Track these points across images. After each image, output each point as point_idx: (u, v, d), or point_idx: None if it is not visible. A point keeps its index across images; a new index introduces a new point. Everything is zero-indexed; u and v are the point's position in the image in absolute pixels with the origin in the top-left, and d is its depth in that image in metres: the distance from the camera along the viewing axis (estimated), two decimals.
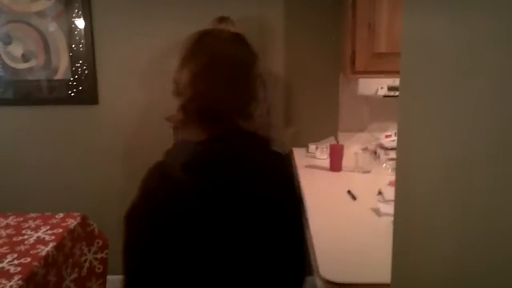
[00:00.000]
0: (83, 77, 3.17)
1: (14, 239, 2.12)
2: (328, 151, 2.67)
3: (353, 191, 2.19)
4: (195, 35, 1.18)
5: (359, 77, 2.65)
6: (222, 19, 2.75)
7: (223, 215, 1.19)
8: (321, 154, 2.83)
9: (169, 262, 1.20)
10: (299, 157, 2.90)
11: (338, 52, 2.97)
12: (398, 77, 0.89)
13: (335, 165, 2.57)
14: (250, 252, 1.23)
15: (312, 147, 2.95)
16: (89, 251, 2.34)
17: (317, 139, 3.03)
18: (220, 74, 1.13)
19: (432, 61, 0.73)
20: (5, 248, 2.03)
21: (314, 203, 2.08)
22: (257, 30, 3.04)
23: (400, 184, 0.88)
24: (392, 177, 2.32)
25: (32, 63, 3.17)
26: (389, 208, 1.89)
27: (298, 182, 1.25)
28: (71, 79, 3.17)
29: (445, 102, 0.68)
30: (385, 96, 2.68)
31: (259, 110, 1.26)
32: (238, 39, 1.21)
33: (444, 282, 0.70)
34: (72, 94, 3.19)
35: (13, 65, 3.18)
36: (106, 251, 2.39)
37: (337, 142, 3.00)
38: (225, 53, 1.15)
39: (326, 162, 2.65)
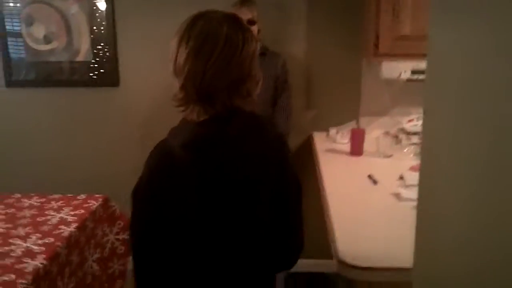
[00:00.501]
0: (104, 59, 3.18)
1: (38, 219, 2.16)
2: (349, 136, 2.64)
3: (374, 176, 2.17)
4: (190, 18, 1.24)
5: (383, 60, 2.61)
6: (243, 2, 2.72)
7: (220, 194, 1.24)
8: (341, 138, 2.80)
9: (169, 239, 1.25)
10: (320, 141, 2.88)
11: (361, 35, 2.92)
12: (422, 61, 0.87)
13: (356, 149, 2.54)
14: (246, 230, 1.29)
15: (332, 131, 2.93)
16: (110, 232, 2.37)
17: (338, 123, 3.00)
18: (213, 54, 1.18)
19: (462, 42, 0.71)
20: (28, 228, 2.07)
21: (334, 187, 2.07)
22: (279, 13, 3.00)
23: (424, 169, 0.87)
24: (414, 162, 2.29)
25: (54, 45, 3.19)
26: (410, 193, 1.87)
27: (293, 162, 1.30)
28: (93, 61, 3.19)
29: (476, 85, 0.66)
30: (408, 80, 2.64)
31: (258, 89, 1.30)
32: (231, 20, 1.25)
33: (469, 267, 0.68)
34: (94, 76, 3.21)
35: (35, 46, 3.21)
36: (127, 232, 2.42)
37: (358, 126, 2.97)
38: (217, 33, 1.20)
39: (347, 147, 2.63)
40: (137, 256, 1.29)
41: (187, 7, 2.93)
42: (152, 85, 3.18)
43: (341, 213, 1.79)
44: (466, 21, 0.69)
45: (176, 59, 1.23)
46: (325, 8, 3.00)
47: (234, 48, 1.20)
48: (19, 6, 3.15)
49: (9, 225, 2.10)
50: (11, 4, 3.15)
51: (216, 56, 1.18)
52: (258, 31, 2.70)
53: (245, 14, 2.60)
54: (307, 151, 2.88)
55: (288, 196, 1.35)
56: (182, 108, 1.27)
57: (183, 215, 1.24)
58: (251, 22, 2.63)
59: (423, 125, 0.86)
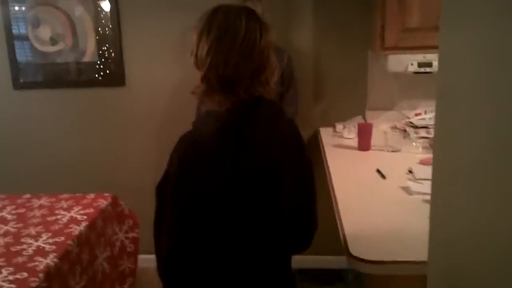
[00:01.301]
0: (110, 60, 3.19)
1: (48, 218, 2.17)
2: (356, 130, 2.64)
3: (383, 170, 2.16)
4: (208, 11, 1.30)
5: (389, 54, 2.60)
6: None
7: (250, 178, 1.31)
8: (348, 133, 2.80)
9: (202, 230, 1.30)
10: (326, 136, 2.87)
11: (367, 28, 2.90)
12: (430, 53, 0.86)
13: (364, 144, 2.54)
14: (271, 211, 1.36)
15: (339, 126, 2.92)
16: (120, 230, 2.38)
17: (344, 118, 3.00)
18: (233, 44, 1.24)
19: (474, 30, 0.70)
20: (40, 227, 2.09)
21: (342, 182, 2.06)
22: (284, 8, 3.00)
23: (438, 163, 0.86)
24: (422, 156, 2.28)
25: (60, 46, 3.21)
26: (419, 187, 1.86)
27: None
28: (98, 61, 3.20)
29: (490, 76, 0.66)
30: (415, 72, 2.62)
31: (274, 78, 1.36)
32: (247, 12, 1.31)
33: (485, 260, 0.68)
34: (100, 77, 3.22)
35: (41, 48, 3.22)
36: (137, 231, 2.43)
37: (365, 121, 2.96)
38: (236, 24, 1.26)
39: (354, 142, 2.62)
40: (171, 252, 1.32)
41: (191, 6, 2.97)
42: (158, 83, 3.19)
43: (350, 208, 1.78)
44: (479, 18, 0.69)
45: (197, 52, 1.28)
46: (331, 1, 2.99)
47: (253, 37, 1.26)
48: (24, 9, 3.17)
49: (20, 225, 2.12)
50: (17, 8, 3.17)
51: (238, 46, 1.24)
52: None
53: (252, 7, 2.60)
54: (314, 147, 2.87)
55: (305, 177, 1.44)
56: (204, 99, 1.32)
57: (215, 201, 1.30)
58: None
59: (436, 118, 0.86)
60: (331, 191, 2.03)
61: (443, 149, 0.83)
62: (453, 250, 0.79)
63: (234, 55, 1.24)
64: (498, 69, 0.62)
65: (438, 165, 0.86)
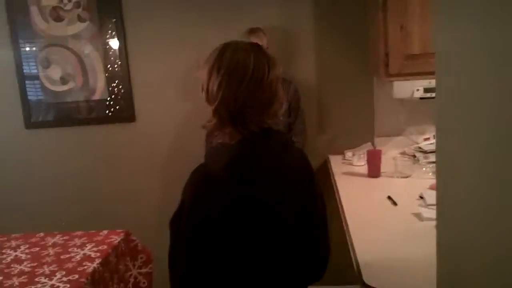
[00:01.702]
0: (119, 96, 3.24)
1: (62, 257, 2.18)
2: (365, 157, 2.64)
3: (394, 197, 2.16)
4: (217, 48, 1.35)
5: (394, 80, 2.62)
6: (252, 30, 2.78)
7: (261, 209, 1.33)
8: (358, 161, 2.80)
9: (215, 261, 1.32)
10: (336, 164, 2.88)
11: (370, 55, 2.94)
12: (434, 78, 0.88)
13: (374, 171, 2.54)
14: (281, 242, 1.38)
15: (348, 154, 2.93)
16: (133, 266, 2.38)
17: (353, 145, 3.01)
18: (242, 80, 1.29)
19: (469, 60, 0.72)
20: (53, 265, 2.09)
21: (353, 210, 2.06)
22: (287, 37, 3.05)
23: (441, 188, 0.87)
24: (433, 181, 2.28)
25: (70, 85, 3.27)
26: (431, 213, 1.86)
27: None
28: (108, 98, 3.26)
29: (485, 101, 0.67)
30: (421, 98, 2.64)
31: (282, 110, 1.40)
32: (255, 48, 1.36)
33: (493, 284, 0.68)
34: (110, 114, 3.27)
35: (52, 88, 3.29)
36: (150, 266, 2.43)
37: (374, 147, 2.97)
38: (245, 60, 1.30)
39: (364, 169, 2.63)
40: (185, 274, 1.34)
41: (197, 40, 3.03)
42: (167, 118, 3.23)
43: (363, 236, 1.78)
44: (473, 32, 0.71)
45: (208, 87, 1.32)
46: (333, 31, 3.04)
47: (262, 73, 1.30)
48: (35, 50, 3.25)
49: (34, 264, 2.13)
50: (27, 48, 3.25)
51: (247, 81, 1.28)
52: None
53: (256, 40, 2.66)
54: (324, 175, 2.88)
55: (315, 207, 1.46)
56: (215, 132, 1.35)
57: (228, 232, 1.32)
58: None
59: (437, 143, 0.87)
60: (343, 220, 2.03)
61: (445, 173, 0.84)
62: (460, 278, 0.79)
63: (243, 90, 1.28)
64: (489, 90, 0.63)
65: (440, 191, 0.86)
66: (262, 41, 2.73)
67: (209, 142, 2.70)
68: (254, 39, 2.70)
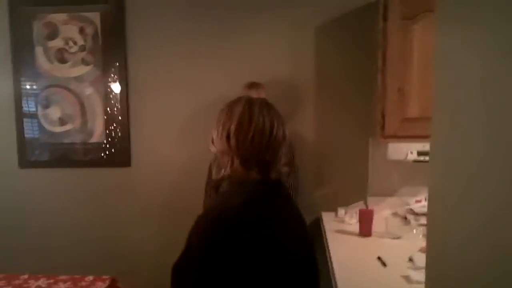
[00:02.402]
0: (116, 139, 3.26)
1: None
2: (358, 216, 2.64)
3: (384, 258, 2.14)
4: (240, 103, 1.43)
5: (389, 141, 2.65)
6: (252, 85, 2.84)
7: (279, 250, 1.33)
8: (350, 219, 2.80)
9: None
10: (328, 221, 2.87)
11: (368, 116, 2.99)
12: (428, 142, 0.90)
13: (365, 230, 2.53)
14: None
15: (341, 211, 2.93)
16: None
17: (346, 203, 3.00)
18: (272, 133, 1.38)
19: (464, 123, 0.74)
20: None
21: (343, 269, 2.04)
22: (287, 94, 3.11)
23: (430, 251, 0.87)
24: (423, 243, 2.26)
25: (68, 127, 3.30)
26: (420, 276, 1.84)
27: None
28: (105, 141, 3.27)
29: (476, 169, 0.68)
30: (415, 161, 2.67)
31: (282, 161, 1.46)
32: (268, 104, 1.45)
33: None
34: (105, 157, 3.28)
35: (50, 128, 3.31)
36: None
37: (367, 206, 2.97)
38: (270, 117, 1.40)
39: (356, 227, 2.62)
40: None
41: (198, 89, 3.09)
42: (163, 162, 3.24)
43: None
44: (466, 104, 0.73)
45: (238, 139, 1.38)
46: (333, 88, 3.10)
47: (282, 127, 1.41)
48: (36, 88, 3.29)
49: None
50: (28, 86, 3.30)
51: (274, 134, 1.38)
52: None
53: (256, 94, 2.71)
54: (316, 232, 2.86)
55: (314, 257, 1.48)
56: (238, 180, 1.40)
57: (241, 274, 1.28)
58: None
59: (428, 206, 0.88)
60: (332, 279, 2.01)
61: (434, 238, 0.84)
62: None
63: (271, 142, 1.38)
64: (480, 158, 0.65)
65: (430, 253, 0.87)
66: (261, 95, 2.77)
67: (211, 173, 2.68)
68: (253, 93, 2.75)
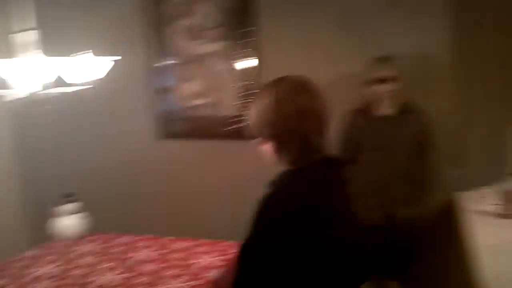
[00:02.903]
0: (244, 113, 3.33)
1: (188, 262, 2.28)
2: (504, 196, 2.44)
3: None
4: (287, 84, 1.51)
5: None
6: (384, 59, 2.70)
7: (330, 235, 1.34)
8: (493, 200, 2.59)
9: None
10: (467, 202, 2.68)
11: None
12: None
13: None
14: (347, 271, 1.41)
15: (482, 191, 2.73)
16: None
17: (482, 183, 2.79)
18: (322, 112, 1.45)
19: None
20: (180, 269, 2.19)
21: (488, 255, 1.92)
22: (419, 66, 2.93)
23: None
24: None
25: (203, 100, 3.46)
26: None
27: None
28: (237, 114, 3.37)
29: None
30: None
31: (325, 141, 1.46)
32: (312, 83, 1.50)
33: None
34: (237, 130, 3.36)
35: (186, 102, 3.51)
36: None
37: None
38: (318, 97, 1.48)
39: (499, 208, 2.43)
40: None
41: (328, 61, 2.96)
42: None
43: None
44: None
45: (289, 122, 1.43)
46: (477, 58, 2.87)
47: (326, 105, 1.48)
48: (170, 65, 3.50)
49: (163, 265, 2.24)
50: (162, 64, 3.51)
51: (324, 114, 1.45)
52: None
53: (386, 71, 2.63)
54: (450, 213, 2.70)
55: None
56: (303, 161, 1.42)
57: (303, 260, 1.27)
58: (391, 79, 2.64)
59: None
60: (474, 264, 1.91)
61: None
62: None
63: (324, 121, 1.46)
64: None
65: None
66: (393, 70, 2.65)
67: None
68: (385, 68, 2.64)
